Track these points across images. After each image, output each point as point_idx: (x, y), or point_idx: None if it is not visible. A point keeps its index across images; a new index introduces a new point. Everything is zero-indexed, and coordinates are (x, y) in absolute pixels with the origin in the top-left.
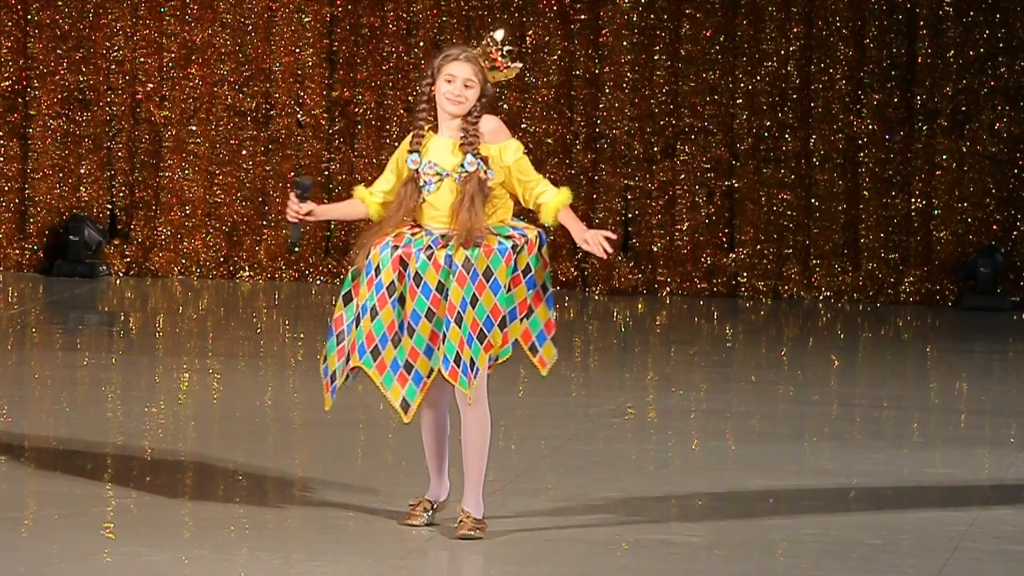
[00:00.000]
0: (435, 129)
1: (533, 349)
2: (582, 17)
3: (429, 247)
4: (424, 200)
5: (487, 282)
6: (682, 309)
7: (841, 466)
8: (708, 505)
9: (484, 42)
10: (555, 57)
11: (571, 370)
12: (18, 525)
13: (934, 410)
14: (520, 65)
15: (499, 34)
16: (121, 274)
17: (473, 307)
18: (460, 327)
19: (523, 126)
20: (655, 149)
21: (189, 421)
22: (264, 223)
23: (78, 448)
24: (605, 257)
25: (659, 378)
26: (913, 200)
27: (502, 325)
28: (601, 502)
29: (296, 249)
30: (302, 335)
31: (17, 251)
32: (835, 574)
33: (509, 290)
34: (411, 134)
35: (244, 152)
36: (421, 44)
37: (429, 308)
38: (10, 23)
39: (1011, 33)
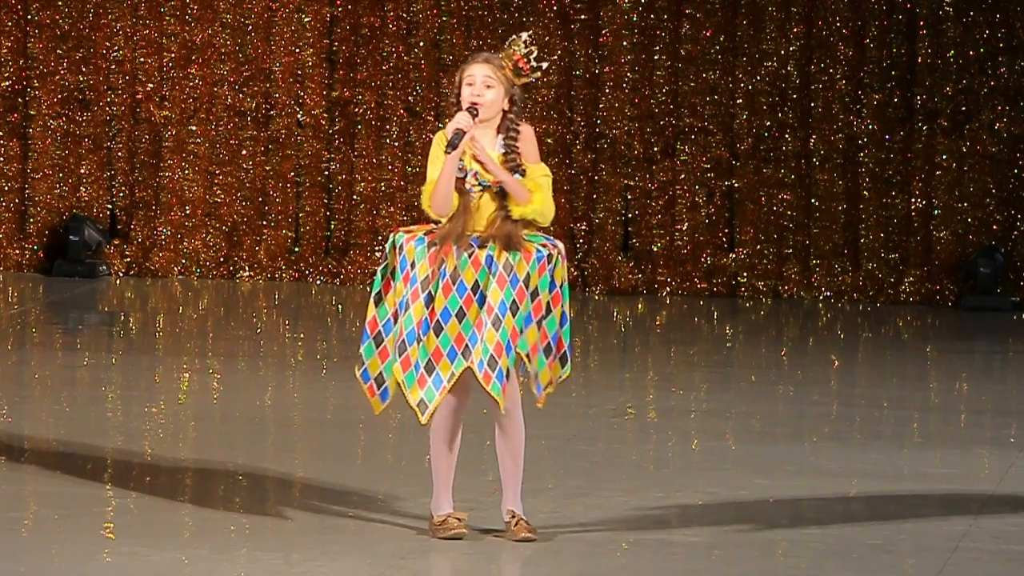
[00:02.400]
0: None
1: (558, 369)
2: (582, 17)
3: (469, 246)
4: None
5: (527, 289)
6: (682, 309)
7: (841, 466)
8: (708, 505)
9: (508, 42)
10: (555, 57)
11: (571, 370)
12: (18, 525)
13: (934, 410)
14: (545, 66)
15: (524, 35)
16: (121, 274)
17: (513, 314)
18: (498, 331)
19: None
20: (655, 149)
21: (189, 421)
22: (264, 223)
23: (78, 448)
24: (466, 125)
25: (659, 378)
26: (913, 200)
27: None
28: (601, 502)
29: (453, 148)
30: (302, 335)
31: (17, 251)
32: (835, 574)
33: (534, 299)
34: (442, 135)
35: (244, 152)
36: (421, 44)
37: (461, 308)
38: (10, 23)
39: (1011, 33)
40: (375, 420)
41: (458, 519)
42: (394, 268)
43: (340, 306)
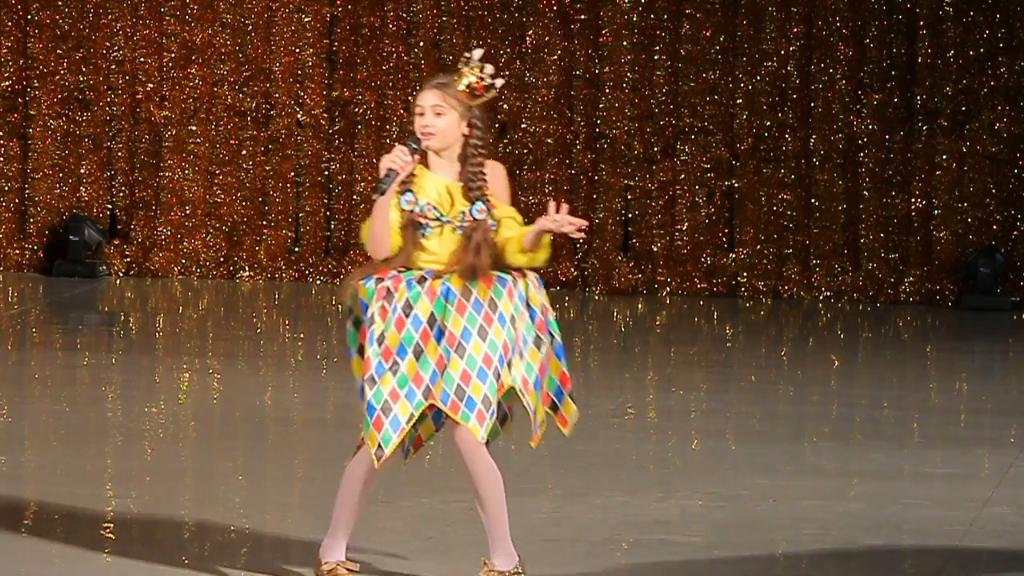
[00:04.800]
0: (424, 163)
1: (553, 407)
2: (582, 17)
3: (423, 278)
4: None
5: (493, 314)
6: (682, 309)
7: (841, 466)
8: (708, 505)
9: (461, 62)
10: (555, 57)
11: (571, 370)
12: (18, 525)
13: (934, 410)
14: (501, 83)
15: (476, 53)
16: (121, 274)
17: (483, 339)
18: (463, 359)
19: (523, 126)
20: (655, 149)
21: (189, 421)
22: (264, 223)
23: (78, 448)
24: (581, 232)
25: (659, 378)
26: (913, 200)
27: (510, 364)
28: (601, 502)
29: (380, 194)
30: (302, 335)
31: (17, 251)
32: (835, 574)
33: (514, 325)
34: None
35: (244, 152)
36: (421, 44)
37: (417, 343)
38: (10, 23)
39: (1011, 33)
40: None
41: (349, 570)
42: (359, 316)
43: (340, 306)
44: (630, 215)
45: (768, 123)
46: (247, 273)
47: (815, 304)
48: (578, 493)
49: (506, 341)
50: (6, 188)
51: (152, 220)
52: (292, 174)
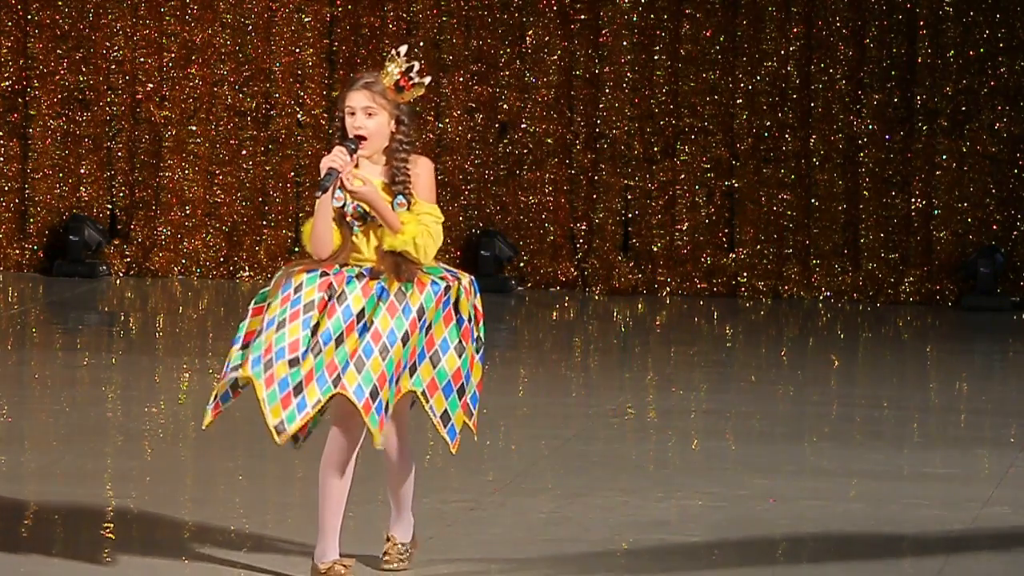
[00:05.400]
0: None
1: (469, 413)
2: (582, 17)
3: (361, 274)
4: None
5: (419, 321)
6: (682, 309)
7: (841, 466)
8: (708, 505)
9: (386, 59)
10: (555, 57)
11: (571, 370)
12: (18, 525)
13: (934, 410)
14: (428, 80)
15: (403, 49)
16: (121, 274)
17: (404, 344)
18: (384, 361)
19: (523, 126)
20: (655, 149)
21: (189, 421)
22: (264, 223)
23: (78, 448)
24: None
25: (659, 378)
26: (913, 200)
27: (412, 370)
28: (601, 502)
29: (324, 191)
30: None
31: (17, 251)
32: (835, 574)
33: (427, 333)
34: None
35: (244, 152)
36: (421, 44)
37: (342, 333)
38: (10, 23)
39: (1011, 33)
40: None
41: (345, 566)
42: (273, 294)
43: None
44: (630, 215)
45: (768, 123)
46: (247, 273)
47: (815, 304)
48: (578, 493)
49: (414, 347)
50: (6, 188)
51: (152, 220)
52: (292, 174)
